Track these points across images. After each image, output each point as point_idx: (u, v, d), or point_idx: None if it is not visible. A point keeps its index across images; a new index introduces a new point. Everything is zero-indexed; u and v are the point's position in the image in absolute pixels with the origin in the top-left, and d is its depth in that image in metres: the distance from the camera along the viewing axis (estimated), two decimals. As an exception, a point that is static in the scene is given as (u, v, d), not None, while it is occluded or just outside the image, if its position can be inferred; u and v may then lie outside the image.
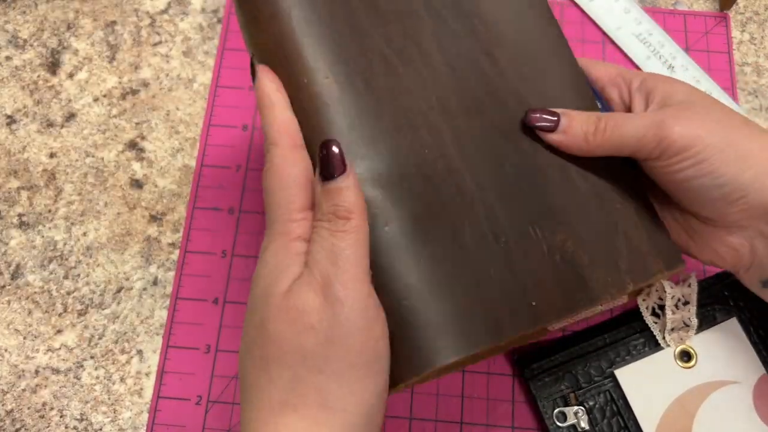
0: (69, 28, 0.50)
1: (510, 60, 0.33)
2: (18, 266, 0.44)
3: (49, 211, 0.45)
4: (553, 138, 0.32)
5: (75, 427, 0.40)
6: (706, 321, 0.39)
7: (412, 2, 0.33)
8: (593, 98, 0.34)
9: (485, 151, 0.32)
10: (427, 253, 0.30)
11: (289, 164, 0.28)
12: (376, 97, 0.31)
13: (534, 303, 0.31)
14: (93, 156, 0.46)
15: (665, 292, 0.39)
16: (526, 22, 0.34)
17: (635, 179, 0.34)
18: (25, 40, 0.50)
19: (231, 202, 0.45)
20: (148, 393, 0.41)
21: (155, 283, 0.43)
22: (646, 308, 0.39)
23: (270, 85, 0.30)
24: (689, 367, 0.39)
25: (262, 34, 0.33)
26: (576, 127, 0.32)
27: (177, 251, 0.44)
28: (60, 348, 0.42)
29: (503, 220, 0.32)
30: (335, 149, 0.27)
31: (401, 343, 0.29)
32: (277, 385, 0.25)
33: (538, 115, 0.32)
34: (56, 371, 0.42)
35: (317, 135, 0.30)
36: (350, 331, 0.25)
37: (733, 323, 0.39)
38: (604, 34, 0.49)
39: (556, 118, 0.32)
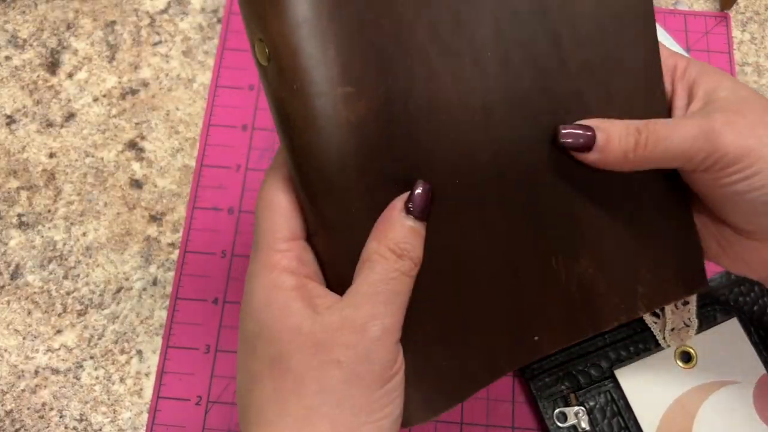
0: (69, 27, 0.50)
1: (578, 42, 0.28)
2: (17, 266, 0.44)
3: (49, 211, 0.45)
4: (589, 158, 0.28)
5: (75, 428, 0.40)
6: (706, 321, 0.39)
7: None
8: (665, 101, 0.30)
9: (524, 170, 0.28)
10: (438, 292, 0.27)
11: (281, 192, 0.27)
12: (414, 118, 0.26)
13: (536, 338, 0.29)
14: (93, 156, 0.46)
15: None
16: None
17: (676, 188, 0.31)
18: (24, 40, 0.50)
19: (231, 202, 0.45)
20: (148, 393, 0.41)
21: (155, 283, 0.43)
22: None
23: None
24: (689, 368, 0.39)
25: (281, 26, 0.24)
26: (614, 144, 0.28)
27: (177, 251, 0.44)
28: (59, 348, 0.42)
29: (527, 253, 0.29)
30: (430, 195, 0.26)
31: (410, 385, 0.27)
32: (291, 416, 0.25)
33: (569, 131, 0.28)
34: (56, 371, 0.42)
35: (343, 175, 0.25)
36: (375, 368, 0.25)
37: (734, 323, 0.39)
38: (605, 33, 0.49)
39: (590, 133, 0.28)
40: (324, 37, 0.24)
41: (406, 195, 0.26)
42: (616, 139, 0.28)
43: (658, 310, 0.39)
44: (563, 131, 0.28)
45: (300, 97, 0.24)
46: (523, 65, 0.27)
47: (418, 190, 0.26)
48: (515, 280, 0.28)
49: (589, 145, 0.28)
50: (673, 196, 0.31)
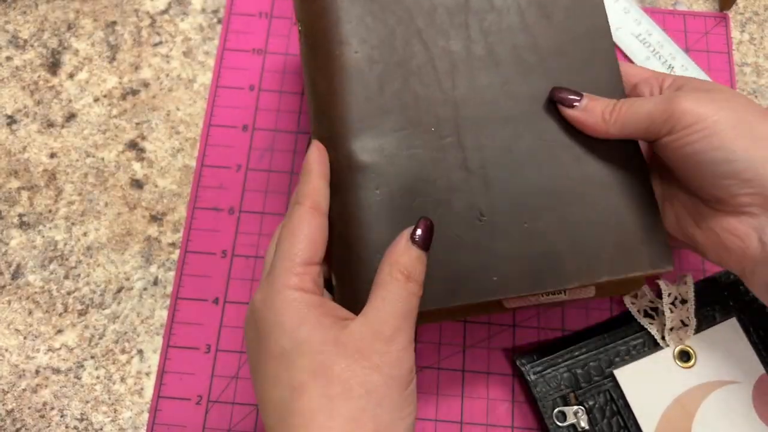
0: (69, 28, 0.50)
1: (552, 49, 0.36)
2: (18, 266, 0.44)
3: (50, 211, 0.45)
4: (572, 113, 0.34)
5: (75, 427, 0.41)
6: (705, 321, 0.40)
7: None
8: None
9: (498, 134, 0.34)
10: (407, 219, 0.32)
11: (305, 222, 0.31)
12: (401, 77, 0.35)
13: (495, 278, 0.32)
14: (93, 156, 0.47)
15: (657, 294, 0.39)
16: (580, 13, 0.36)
17: (641, 172, 0.34)
18: (25, 41, 0.50)
19: (231, 202, 0.45)
20: (149, 393, 0.41)
21: (155, 283, 0.44)
22: (638, 311, 0.39)
23: (316, 154, 0.33)
24: (688, 367, 0.39)
25: (311, 5, 0.36)
26: (595, 107, 0.34)
27: (177, 251, 0.44)
28: (60, 348, 0.42)
29: (493, 200, 0.33)
30: (431, 229, 0.32)
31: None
32: (341, 418, 0.27)
33: (563, 92, 0.34)
34: (57, 371, 0.42)
35: (337, 99, 0.34)
36: (403, 372, 0.29)
37: (733, 323, 0.39)
38: (604, 34, 0.49)
39: (579, 97, 0.34)
40: (327, 19, 0.36)
41: (411, 228, 0.31)
42: (597, 102, 0.34)
43: (651, 311, 0.40)
44: (556, 90, 0.34)
45: (313, 50, 0.36)
46: (506, 55, 0.35)
47: (421, 226, 0.31)
48: (479, 222, 0.33)
49: (575, 102, 0.34)
50: (633, 174, 0.34)
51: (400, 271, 0.30)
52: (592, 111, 0.34)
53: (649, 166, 0.37)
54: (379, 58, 0.35)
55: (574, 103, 0.34)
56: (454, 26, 0.36)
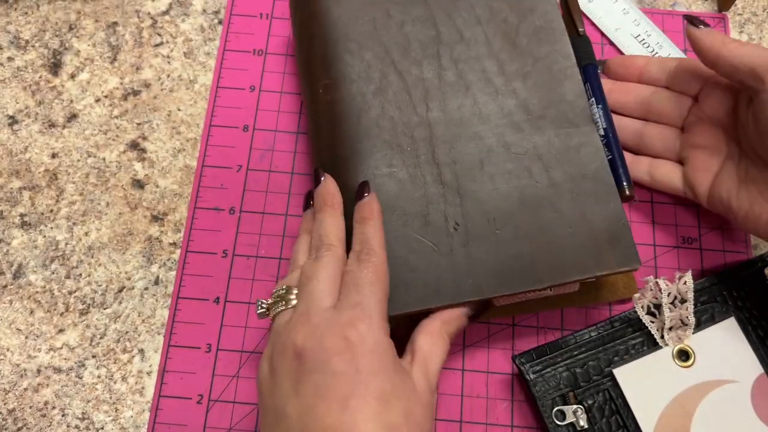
0: (71, 29, 0.50)
1: (517, 72, 0.39)
2: (20, 266, 0.44)
3: (51, 211, 0.45)
4: (696, 31, 0.38)
5: (77, 426, 0.41)
6: (704, 320, 0.40)
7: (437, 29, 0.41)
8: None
9: (470, 149, 0.38)
10: (388, 234, 0.35)
11: (386, 273, 0.34)
12: (379, 105, 0.39)
13: (470, 281, 0.35)
14: (94, 156, 0.47)
15: (660, 290, 0.39)
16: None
17: (606, 176, 0.37)
18: (26, 41, 0.50)
19: (232, 202, 0.45)
20: (150, 392, 0.41)
21: (156, 282, 0.44)
22: (642, 308, 0.40)
23: (375, 202, 0.36)
24: (687, 366, 0.39)
25: (302, 52, 0.43)
26: (716, 33, 0.37)
27: (178, 251, 0.44)
28: (62, 347, 0.42)
29: (467, 210, 0.36)
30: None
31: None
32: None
33: (693, 17, 0.38)
34: (58, 370, 0.42)
35: (321, 132, 0.39)
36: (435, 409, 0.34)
37: (732, 322, 0.40)
38: (603, 35, 0.49)
39: (705, 26, 0.38)
40: (314, 62, 0.41)
41: (474, 304, 0.36)
42: (719, 32, 0.37)
43: (654, 309, 0.40)
44: (687, 16, 0.39)
45: (303, 90, 0.43)
46: (475, 80, 0.39)
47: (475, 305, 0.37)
48: (455, 230, 0.36)
49: (700, 25, 0.38)
50: (601, 178, 0.37)
51: (448, 332, 0.35)
52: (713, 34, 0.37)
53: (734, 144, 0.39)
54: (357, 90, 0.39)
55: (699, 26, 0.38)
56: (426, 56, 0.39)
